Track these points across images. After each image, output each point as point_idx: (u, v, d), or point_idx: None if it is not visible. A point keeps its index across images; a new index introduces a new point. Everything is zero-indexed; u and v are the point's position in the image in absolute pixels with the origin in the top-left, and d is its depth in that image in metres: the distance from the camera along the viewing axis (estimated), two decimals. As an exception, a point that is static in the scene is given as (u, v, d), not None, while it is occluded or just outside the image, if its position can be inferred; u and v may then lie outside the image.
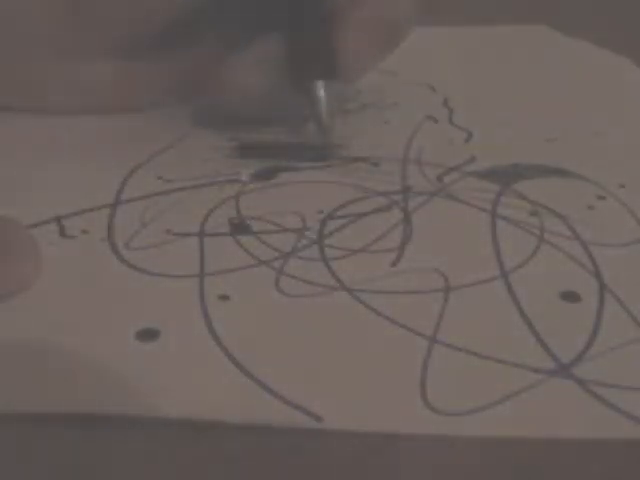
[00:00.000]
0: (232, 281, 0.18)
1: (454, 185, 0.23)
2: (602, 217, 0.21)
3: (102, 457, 0.13)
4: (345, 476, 0.13)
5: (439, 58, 0.38)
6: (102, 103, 0.28)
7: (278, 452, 0.13)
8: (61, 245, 0.19)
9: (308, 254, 0.19)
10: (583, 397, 0.14)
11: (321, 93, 0.25)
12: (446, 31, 0.43)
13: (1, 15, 0.25)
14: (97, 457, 0.13)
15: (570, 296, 0.18)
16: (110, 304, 0.17)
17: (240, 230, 0.20)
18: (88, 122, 0.28)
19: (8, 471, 0.13)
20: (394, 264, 0.19)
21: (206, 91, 0.27)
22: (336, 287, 0.18)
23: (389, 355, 0.16)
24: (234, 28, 0.26)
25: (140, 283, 0.18)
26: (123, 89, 0.28)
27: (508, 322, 0.17)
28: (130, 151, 0.25)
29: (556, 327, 0.16)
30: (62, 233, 0.20)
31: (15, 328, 0.16)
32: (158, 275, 0.18)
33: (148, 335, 0.16)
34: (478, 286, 0.18)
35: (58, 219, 0.21)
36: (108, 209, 0.21)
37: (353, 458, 0.13)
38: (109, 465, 0.13)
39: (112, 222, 0.21)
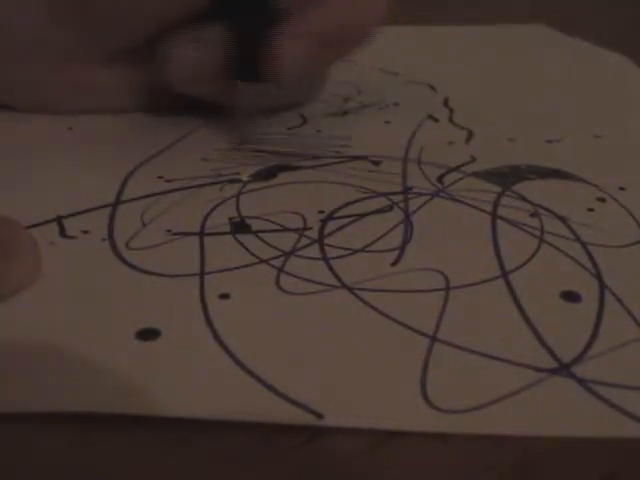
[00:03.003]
0: (232, 280, 0.18)
1: (454, 186, 0.23)
2: (602, 219, 0.21)
3: (102, 457, 0.13)
4: (345, 475, 0.13)
5: (439, 58, 0.38)
6: (104, 106, 0.28)
7: (278, 452, 0.13)
8: (61, 245, 0.19)
9: (308, 253, 0.19)
10: (583, 396, 0.14)
11: (245, 95, 0.25)
12: (446, 31, 0.43)
13: (1, 18, 0.25)
14: (97, 457, 0.13)
15: (570, 296, 0.18)
16: (110, 304, 0.17)
17: (240, 229, 0.20)
18: (88, 122, 0.28)
19: (8, 471, 0.13)
20: (395, 263, 0.19)
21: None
22: (337, 285, 0.18)
23: (390, 353, 0.16)
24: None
25: (140, 283, 0.18)
26: (125, 92, 0.28)
27: (508, 321, 0.17)
28: (130, 151, 0.25)
29: (556, 326, 0.16)
30: (62, 233, 0.20)
31: (15, 328, 0.16)
32: (158, 275, 0.18)
33: (149, 334, 0.16)
34: (479, 285, 0.18)
35: (58, 219, 0.21)
36: (108, 209, 0.21)
37: (353, 456, 0.13)
38: (109, 465, 0.13)
39: (112, 222, 0.21)
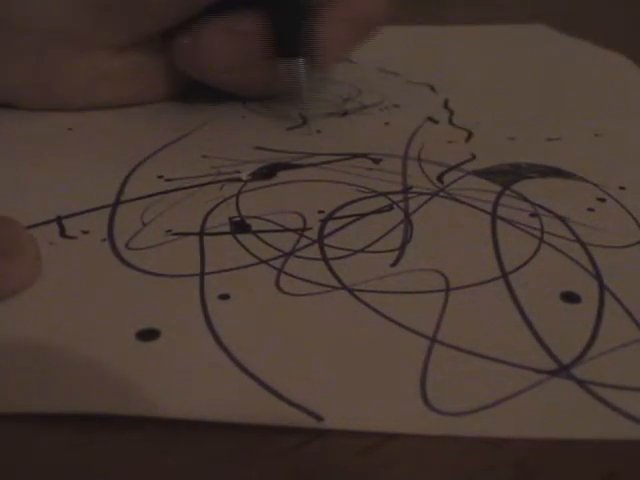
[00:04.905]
0: (232, 280, 0.18)
1: (455, 184, 0.23)
2: (602, 219, 0.21)
3: (102, 457, 0.13)
4: (345, 475, 0.13)
5: (439, 58, 0.38)
6: (118, 95, 0.28)
7: (278, 452, 0.13)
8: (61, 245, 0.19)
9: (308, 254, 0.19)
10: (583, 397, 0.14)
11: (302, 69, 0.27)
12: (446, 31, 0.43)
13: (18, 7, 0.25)
14: (97, 457, 0.13)
15: (570, 297, 0.18)
16: (110, 304, 0.17)
17: (240, 229, 0.20)
18: (88, 122, 0.28)
19: (8, 471, 0.13)
20: (394, 264, 0.19)
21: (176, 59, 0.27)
22: (336, 286, 0.18)
23: (389, 355, 0.16)
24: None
25: (140, 283, 0.18)
26: (140, 81, 0.28)
27: (508, 322, 0.17)
28: (130, 150, 0.25)
29: (556, 328, 0.16)
30: (62, 233, 0.20)
31: (15, 328, 0.16)
32: (158, 275, 0.18)
33: (148, 335, 0.16)
34: (478, 286, 0.18)
35: (58, 219, 0.21)
36: (108, 209, 0.21)
37: (353, 458, 0.13)
38: (109, 465, 0.13)
39: (112, 222, 0.21)
